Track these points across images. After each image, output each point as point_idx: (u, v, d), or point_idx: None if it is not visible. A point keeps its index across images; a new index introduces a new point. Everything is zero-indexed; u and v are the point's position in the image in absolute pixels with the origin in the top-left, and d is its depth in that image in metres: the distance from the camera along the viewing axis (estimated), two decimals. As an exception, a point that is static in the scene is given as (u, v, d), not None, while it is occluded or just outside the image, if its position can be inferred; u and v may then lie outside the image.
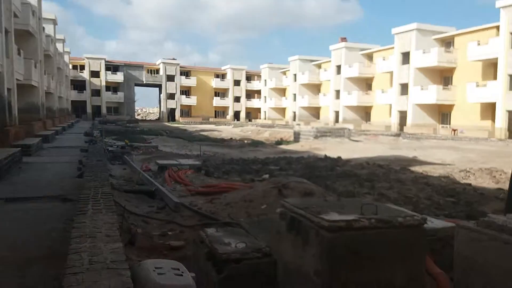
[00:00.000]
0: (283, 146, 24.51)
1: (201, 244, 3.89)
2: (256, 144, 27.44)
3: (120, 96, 66.74)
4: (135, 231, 4.94)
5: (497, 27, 31.51)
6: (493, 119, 31.93)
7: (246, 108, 75.89)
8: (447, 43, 38.32)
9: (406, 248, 3.06)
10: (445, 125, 38.06)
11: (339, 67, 50.58)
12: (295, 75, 61.07)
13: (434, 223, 4.66)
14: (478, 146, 23.50)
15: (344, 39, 51.19)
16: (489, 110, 32.46)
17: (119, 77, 66.31)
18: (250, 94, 76.88)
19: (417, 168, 14.51)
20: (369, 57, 49.24)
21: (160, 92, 71.43)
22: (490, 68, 32.41)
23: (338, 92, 50.69)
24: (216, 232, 3.99)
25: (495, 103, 30.62)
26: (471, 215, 6.93)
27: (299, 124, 38.55)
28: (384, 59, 43.56)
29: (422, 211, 7.30)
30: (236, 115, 74.94)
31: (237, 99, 75.25)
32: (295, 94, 61.10)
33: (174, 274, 2.86)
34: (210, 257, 3.58)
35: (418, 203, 7.90)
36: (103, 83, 65.21)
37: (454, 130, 34.46)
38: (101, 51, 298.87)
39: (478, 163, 16.57)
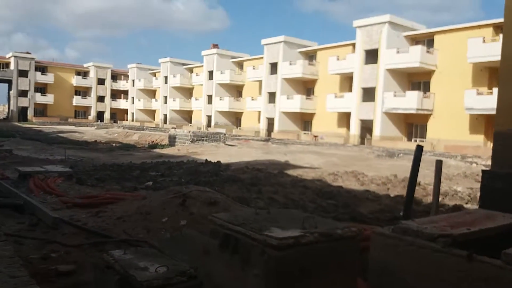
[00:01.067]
0: (158, 150, 23.54)
1: (107, 269, 3.27)
2: (127, 147, 25.82)
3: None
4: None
5: (353, 45, 35.61)
6: (348, 127, 35.90)
7: (111, 108, 71.33)
8: (310, 56, 41.89)
9: (345, 260, 3.01)
10: (307, 132, 41.43)
11: (211, 72, 51.10)
12: (166, 77, 59.66)
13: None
14: (337, 151, 26.06)
15: (216, 46, 51.98)
16: (344, 118, 36.40)
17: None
18: (115, 94, 72.46)
19: (292, 172, 15.30)
20: (240, 65, 50.93)
21: (9, 89, 62.50)
22: (347, 81, 36.43)
23: (210, 97, 51.14)
24: (124, 254, 3.40)
25: (350, 112, 34.48)
26: (354, 217, 7.47)
27: (174, 127, 37.67)
28: (254, 68, 45.49)
29: (311, 214, 7.60)
30: (100, 116, 69.85)
31: (100, 99, 70.23)
32: (166, 97, 59.65)
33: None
34: (125, 286, 3.01)
35: (305, 206, 8.22)
36: None
37: (315, 136, 37.74)
38: None
39: (341, 166, 18.30)
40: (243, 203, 7.39)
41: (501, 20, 23.80)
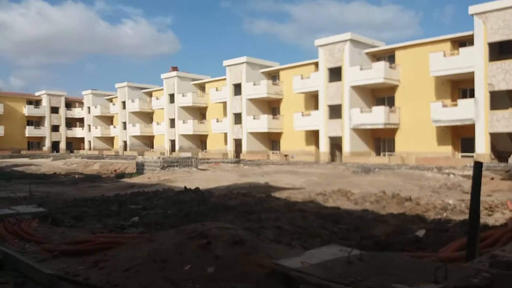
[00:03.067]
0: (127, 180, 22.13)
1: None
2: (92, 178, 24.17)
3: None
4: None
5: (316, 63, 35.96)
6: (316, 144, 35.87)
7: (67, 138, 67.97)
8: (273, 76, 41.94)
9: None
10: (275, 151, 41.07)
11: (172, 95, 49.95)
12: (124, 102, 57.69)
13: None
14: (312, 169, 25.70)
15: (175, 68, 51.09)
16: (312, 136, 36.38)
17: None
18: (71, 123, 69.22)
19: (278, 194, 14.64)
20: (201, 87, 50.23)
21: (-48, 121, 58.15)
22: (312, 99, 36.58)
23: (172, 120, 49.85)
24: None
25: (318, 130, 34.50)
26: (378, 243, 6.86)
27: (142, 155, 35.99)
28: (217, 90, 44.90)
29: (329, 243, 6.94)
30: (55, 146, 66.30)
31: (55, 128, 66.80)
32: (125, 122, 57.57)
33: None
34: None
35: (320, 234, 7.55)
36: None
37: (286, 156, 37.41)
38: None
39: (324, 185, 17.85)
40: (254, 234, 6.61)
41: (459, 34, 24.70)
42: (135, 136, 56.53)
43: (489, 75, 24.79)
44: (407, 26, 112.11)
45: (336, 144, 34.14)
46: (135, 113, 56.70)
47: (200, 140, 49.59)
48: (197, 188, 15.99)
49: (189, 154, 38.57)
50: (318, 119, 34.23)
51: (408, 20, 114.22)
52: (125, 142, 57.68)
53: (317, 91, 34.58)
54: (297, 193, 15.05)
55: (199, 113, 49.98)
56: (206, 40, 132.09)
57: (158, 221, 9.17)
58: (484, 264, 2.90)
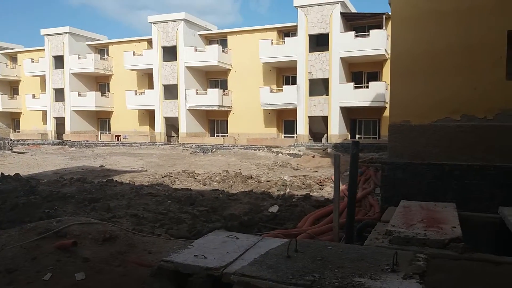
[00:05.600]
0: None
1: None
2: None
3: None
4: None
5: (148, 41, 34.52)
6: (151, 125, 34.81)
7: None
8: (101, 50, 38.60)
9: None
10: (104, 132, 38.25)
11: (-29, 65, 41.23)
12: None
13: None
14: (150, 150, 24.87)
15: (-24, 32, 42.21)
16: (147, 116, 35.13)
17: None
18: None
19: (120, 178, 13.67)
20: (13, 58, 42.91)
21: None
22: (145, 77, 35.13)
23: (-29, 95, 41.27)
24: None
25: (153, 110, 33.45)
26: (245, 223, 6.97)
27: None
28: (33, 61, 38.95)
29: (194, 227, 6.77)
30: None
31: None
32: None
33: None
34: None
35: (183, 219, 7.27)
36: None
37: (117, 136, 35.20)
38: None
39: (166, 166, 17.46)
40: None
41: (285, 24, 26.95)
42: None
43: (309, 65, 27.96)
44: (229, 12, 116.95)
45: (172, 124, 33.75)
46: None
47: (12, 119, 42.58)
48: (17, 175, 13.65)
49: (-3, 135, 32.68)
50: (154, 99, 33.16)
51: (229, 7, 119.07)
52: None
53: (150, 69, 33.38)
54: (140, 176, 14.33)
55: (9, 87, 42.73)
56: (15, 6, 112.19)
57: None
58: (383, 241, 3.18)
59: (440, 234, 3.17)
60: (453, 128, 5.32)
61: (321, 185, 12.15)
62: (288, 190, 11.08)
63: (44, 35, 37.78)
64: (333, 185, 11.93)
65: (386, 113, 27.07)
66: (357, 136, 29.55)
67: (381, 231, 3.48)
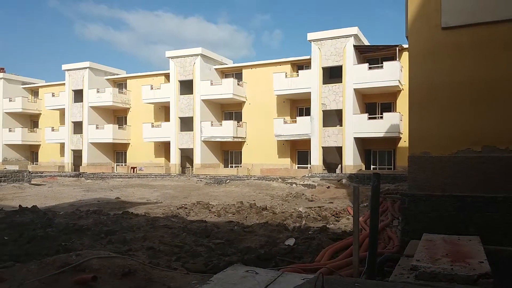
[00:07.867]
0: None
1: None
2: None
3: None
4: None
5: (165, 75, 35.38)
6: (166, 156, 35.12)
7: None
8: (119, 84, 39.64)
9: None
10: (120, 163, 38.69)
11: (-5, 99, 42.70)
12: None
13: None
14: (165, 182, 24.96)
15: (2, 70, 43.87)
16: (162, 148, 35.51)
17: None
18: None
19: (135, 210, 13.68)
20: (34, 92, 44.36)
21: None
22: (161, 110, 35.79)
23: (-5, 128, 42.51)
24: None
25: (169, 142, 33.85)
26: (262, 257, 6.85)
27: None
28: (53, 95, 40.15)
29: (210, 260, 6.67)
30: None
31: None
32: None
33: None
34: None
35: (198, 251, 7.19)
36: None
37: (133, 168, 35.53)
38: None
39: (180, 198, 17.45)
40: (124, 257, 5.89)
41: (298, 58, 27.38)
42: None
43: (323, 96, 28.16)
44: (242, 46, 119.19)
45: (186, 156, 34.00)
46: None
47: (31, 151, 43.50)
48: (34, 207, 13.77)
49: (16, 167, 33.39)
50: (170, 131, 33.62)
51: (242, 40, 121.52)
52: None
53: (167, 102, 34.03)
54: (156, 208, 14.32)
55: (30, 120, 43.95)
56: (36, 42, 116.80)
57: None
58: (408, 276, 3.09)
59: (468, 270, 3.07)
60: (475, 160, 5.24)
61: (337, 217, 11.95)
62: (304, 222, 10.91)
63: (65, 70, 39.07)
64: (349, 217, 11.77)
65: (401, 143, 26.85)
66: (372, 166, 29.27)
67: (405, 266, 3.39)
